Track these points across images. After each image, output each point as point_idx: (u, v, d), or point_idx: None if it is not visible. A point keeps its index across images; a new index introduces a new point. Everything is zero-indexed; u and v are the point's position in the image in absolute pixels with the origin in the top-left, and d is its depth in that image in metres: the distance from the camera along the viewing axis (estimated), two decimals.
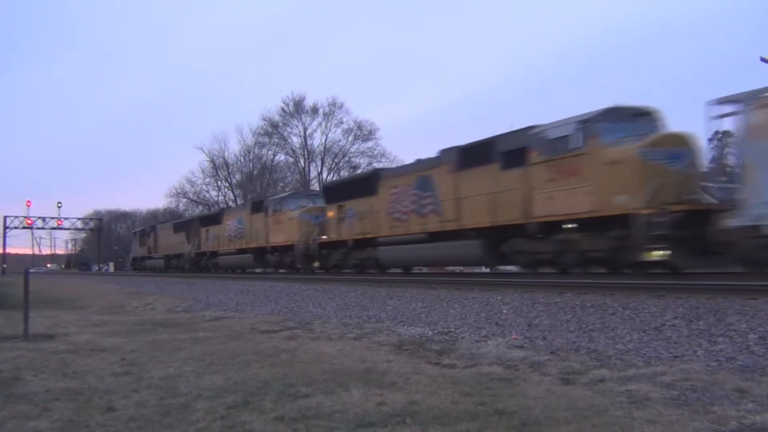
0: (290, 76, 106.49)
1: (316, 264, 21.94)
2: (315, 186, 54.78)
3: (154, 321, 10.21)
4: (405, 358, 5.69)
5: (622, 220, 10.64)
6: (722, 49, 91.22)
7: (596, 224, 11.33)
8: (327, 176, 55.60)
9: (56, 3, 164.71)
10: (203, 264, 33.32)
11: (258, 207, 27.25)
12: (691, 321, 6.24)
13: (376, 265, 18.93)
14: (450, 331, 7.22)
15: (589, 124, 11.57)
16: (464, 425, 3.42)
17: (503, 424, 3.44)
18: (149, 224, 51.05)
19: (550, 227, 12.29)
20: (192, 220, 37.31)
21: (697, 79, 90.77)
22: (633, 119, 11.73)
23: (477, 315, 8.07)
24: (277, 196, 28.01)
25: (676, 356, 5.13)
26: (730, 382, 4.14)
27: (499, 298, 9.19)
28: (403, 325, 7.97)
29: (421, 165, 17.34)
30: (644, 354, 5.30)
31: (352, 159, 55.34)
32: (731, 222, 9.09)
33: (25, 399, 4.34)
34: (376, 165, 53.70)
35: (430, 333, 7.22)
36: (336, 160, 55.96)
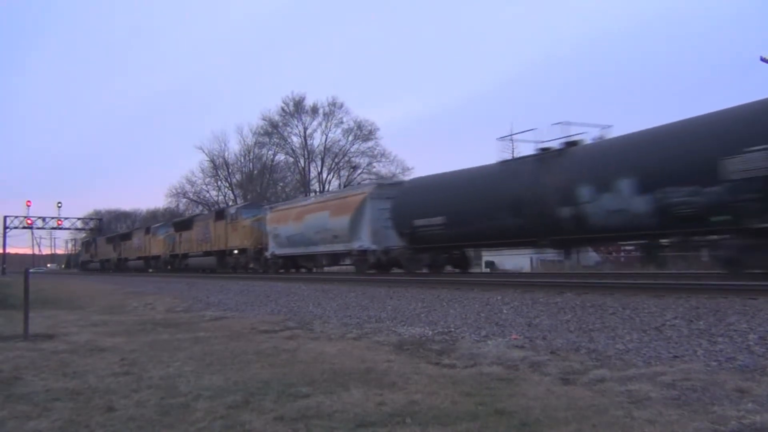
0: (290, 76, 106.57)
1: (169, 267, 38.22)
2: (315, 186, 54.95)
3: (154, 321, 10.21)
4: (405, 358, 5.70)
5: (245, 250, 27.70)
6: (722, 49, 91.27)
7: (241, 251, 28.09)
8: (327, 176, 55.68)
9: (56, 3, 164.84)
10: (121, 266, 48.93)
11: (148, 231, 43.74)
12: (691, 321, 6.24)
13: (188, 268, 34.90)
14: (450, 331, 7.22)
15: (238, 210, 29.21)
16: (464, 425, 3.42)
17: (503, 424, 3.44)
18: (92, 237, 67.32)
19: (232, 252, 28.99)
20: (116, 236, 53.67)
21: (697, 78, 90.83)
22: (255, 208, 28.73)
23: (477, 315, 8.07)
24: (155, 225, 44.00)
25: (676, 356, 5.13)
26: (730, 382, 4.14)
27: (499, 298, 9.19)
28: (403, 325, 7.97)
29: (208, 215, 35.09)
30: (644, 354, 5.30)
31: (352, 159, 55.31)
32: (266, 253, 25.14)
33: (25, 399, 4.34)
34: (376, 165, 53.90)
35: (430, 333, 7.23)
36: (336, 160, 55.92)
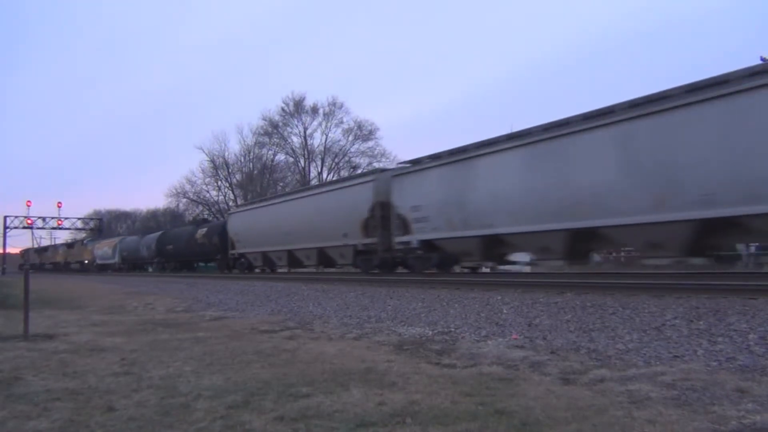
0: (290, 76, 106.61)
1: (65, 269, 61.79)
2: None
3: (154, 321, 10.21)
4: (405, 358, 5.69)
5: (89, 260, 58.74)
6: (722, 48, 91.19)
7: (88, 261, 57.74)
8: (327, 176, 55.67)
9: (56, 2, 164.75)
10: (42, 268, 68.65)
11: (55, 247, 68.05)
12: (691, 321, 6.24)
13: (70, 269, 61.31)
14: (450, 331, 7.22)
15: (88, 241, 61.14)
16: (464, 425, 3.42)
17: (503, 424, 3.44)
18: (26, 249, 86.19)
19: (86, 261, 58.12)
20: (40, 249, 78.23)
21: (697, 77, 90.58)
22: (93, 240, 61.25)
23: (477, 315, 8.07)
24: (60, 244, 71.50)
25: (676, 356, 5.13)
26: (730, 382, 4.13)
27: (499, 298, 9.19)
28: (403, 325, 7.97)
29: (79, 243, 62.40)
30: (644, 354, 5.30)
31: (352, 159, 55.40)
32: (95, 263, 55.04)
33: (25, 399, 4.34)
34: (376, 165, 53.91)
35: (430, 333, 7.22)
36: (336, 160, 56.04)
